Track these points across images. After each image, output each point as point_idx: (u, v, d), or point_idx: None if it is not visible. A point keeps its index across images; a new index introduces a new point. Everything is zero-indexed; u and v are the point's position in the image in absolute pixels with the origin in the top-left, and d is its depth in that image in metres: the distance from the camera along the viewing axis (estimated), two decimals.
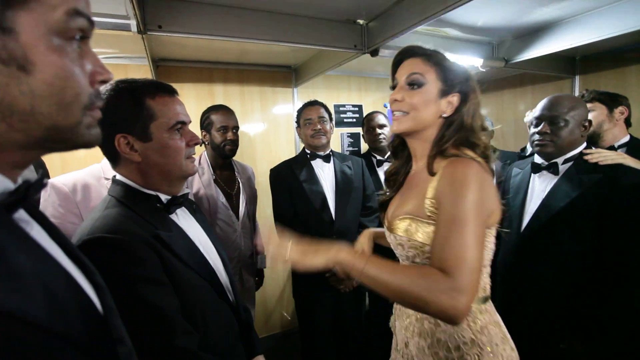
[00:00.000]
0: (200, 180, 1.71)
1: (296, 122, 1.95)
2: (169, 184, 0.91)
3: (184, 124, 0.90)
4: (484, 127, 0.92)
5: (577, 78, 2.75)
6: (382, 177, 2.07)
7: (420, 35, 1.99)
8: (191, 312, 0.80)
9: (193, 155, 0.95)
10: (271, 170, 1.95)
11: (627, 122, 1.78)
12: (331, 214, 1.81)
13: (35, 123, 0.36)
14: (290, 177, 1.86)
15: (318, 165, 1.88)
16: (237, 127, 1.81)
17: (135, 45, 1.73)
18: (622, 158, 1.30)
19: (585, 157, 1.32)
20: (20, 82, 0.34)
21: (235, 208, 1.80)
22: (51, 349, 0.31)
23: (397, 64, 0.95)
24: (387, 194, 1.05)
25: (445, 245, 0.75)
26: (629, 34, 1.83)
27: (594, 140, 1.74)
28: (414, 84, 0.89)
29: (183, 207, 0.99)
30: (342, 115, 2.94)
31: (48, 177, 1.42)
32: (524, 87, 3.05)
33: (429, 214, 0.82)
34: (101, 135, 0.45)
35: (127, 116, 0.83)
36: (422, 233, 0.84)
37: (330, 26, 1.84)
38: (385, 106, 2.35)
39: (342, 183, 1.85)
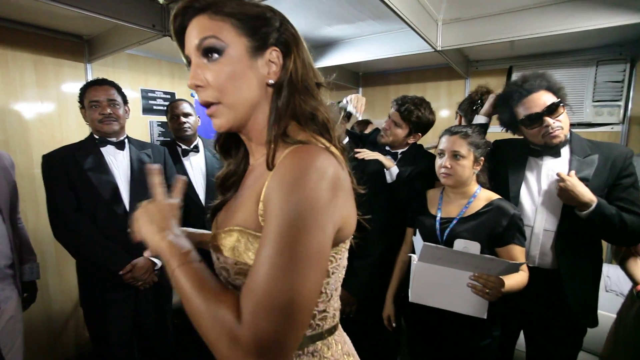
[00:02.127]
0: None
1: (79, 101, 1.67)
2: None
3: None
4: (320, 83, 0.69)
5: (360, 89, 3.48)
6: (187, 167, 2.04)
7: None
8: None
9: None
10: (44, 156, 1.60)
11: None
12: (125, 206, 1.64)
13: None
14: (71, 165, 1.57)
15: (109, 152, 1.67)
16: None
17: None
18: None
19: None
20: None
21: None
22: None
23: (180, 32, 0.65)
24: (221, 198, 0.77)
25: (251, 271, 0.52)
26: (392, 59, 2.44)
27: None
28: (210, 53, 0.60)
29: None
30: (151, 102, 2.70)
31: None
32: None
33: (262, 224, 0.58)
34: None
35: None
36: (254, 253, 0.59)
37: None
38: (192, 95, 2.30)
39: (139, 172, 1.69)
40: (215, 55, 0.60)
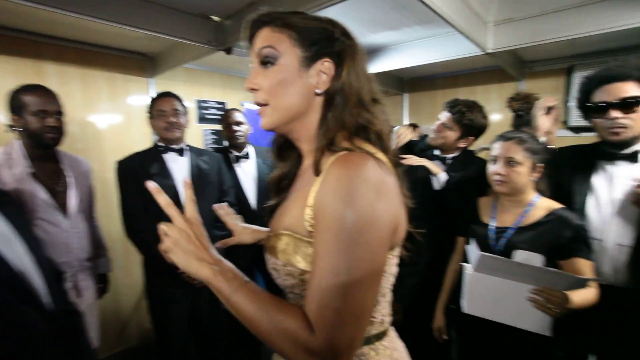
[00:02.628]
0: (12, 174, 1.44)
1: (148, 112, 1.84)
2: None
3: None
4: (376, 99, 0.69)
5: (406, 95, 3.43)
6: (239, 173, 2.16)
7: None
8: None
9: None
10: (118, 162, 1.79)
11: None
12: (184, 209, 1.77)
13: None
14: (140, 171, 1.74)
15: (171, 159, 1.82)
16: (60, 112, 1.57)
17: None
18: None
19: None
20: None
21: (62, 205, 1.58)
22: None
23: (251, 42, 0.72)
24: (276, 200, 0.81)
25: (313, 283, 0.55)
26: (439, 64, 2.40)
27: None
28: (267, 62, 0.66)
29: None
30: (204, 112, 2.89)
31: None
32: None
33: (309, 229, 0.61)
34: None
35: None
36: (303, 256, 0.62)
37: (185, 18, 1.82)
38: (242, 105, 2.42)
39: (197, 177, 1.83)
40: (270, 63, 0.66)
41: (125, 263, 2.53)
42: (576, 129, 2.56)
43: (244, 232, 1.07)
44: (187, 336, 1.89)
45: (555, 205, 1.29)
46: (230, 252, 1.92)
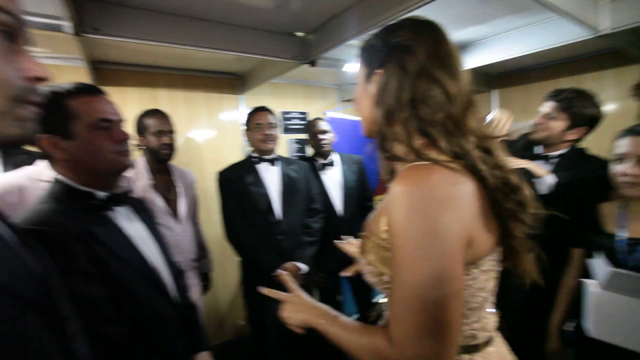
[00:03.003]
0: (138, 185, 1.70)
1: (245, 125, 2.00)
2: (100, 180, 0.94)
3: (109, 121, 0.94)
4: (426, 99, 0.63)
5: (495, 92, 3.15)
6: (325, 180, 2.22)
7: (354, 48, 2.17)
8: (120, 302, 0.84)
9: (124, 150, 0.97)
10: (218, 173, 1.98)
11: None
12: (277, 215, 1.89)
13: None
14: (237, 180, 1.90)
15: (264, 168, 1.96)
16: (172, 132, 1.83)
17: (70, 46, 1.69)
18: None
19: None
20: None
21: (174, 212, 1.81)
22: (17, 310, 0.36)
23: None
24: None
25: (391, 298, 0.59)
26: (533, 55, 2.17)
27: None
28: (355, 82, 0.78)
29: (127, 207, 1.02)
30: (288, 122, 3.05)
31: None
32: None
33: (382, 236, 0.65)
34: (35, 133, 0.47)
35: (48, 117, 0.85)
36: (379, 258, 0.67)
37: (271, 37, 1.95)
38: (324, 114, 2.50)
39: (288, 186, 1.93)
40: (355, 83, 0.77)
41: (222, 264, 2.78)
42: None
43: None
44: (280, 334, 1.99)
45: None
46: (319, 258, 2.00)
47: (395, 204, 0.57)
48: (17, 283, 0.39)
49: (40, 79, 0.47)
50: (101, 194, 0.93)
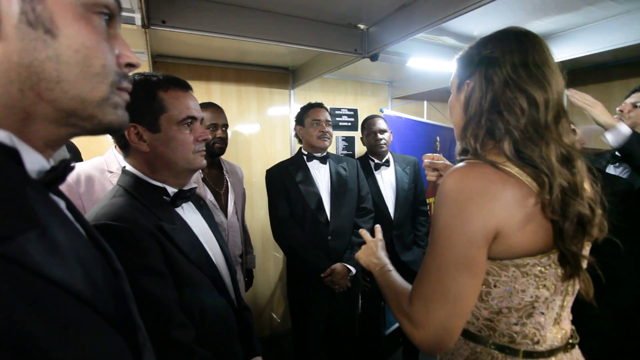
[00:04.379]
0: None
1: (298, 120, 1.94)
2: (175, 176, 0.92)
3: (194, 119, 0.91)
4: (508, 105, 0.67)
5: (565, 92, 2.86)
6: (379, 180, 2.12)
7: (419, 43, 2.04)
8: (189, 305, 0.80)
9: (202, 150, 0.95)
10: (267, 170, 1.95)
11: None
12: (326, 215, 1.82)
13: (62, 92, 0.36)
14: (287, 178, 1.86)
15: (314, 166, 1.90)
16: (226, 125, 1.80)
17: (136, 39, 1.71)
18: None
19: None
20: (46, 45, 0.34)
21: (223, 207, 1.79)
22: (89, 319, 0.32)
23: None
24: None
25: (420, 273, 0.70)
26: (614, 50, 1.92)
27: None
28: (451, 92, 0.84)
29: (190, 202, 1.00)
30: (337, 119, 2.97)
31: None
32: None
33: None
34: (127, 120, 0.45)
35: (137, 106, 0.84)
36: None
37: (331, 29, 1.87)
38: (381, 111, 2.38)
39: (337, 184, 1.86)
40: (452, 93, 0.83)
41: (263, 261, 2.78)
42: None
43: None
44: (322, 335, 1.94)
45: None
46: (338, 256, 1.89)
47: (439, 190, 0.68)
48: (99, 296, 0.34)
49: (132, 66, 0.45)
50: (173, 189, 0.91)
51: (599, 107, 1.37)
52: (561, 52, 2.08)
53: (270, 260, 2.77)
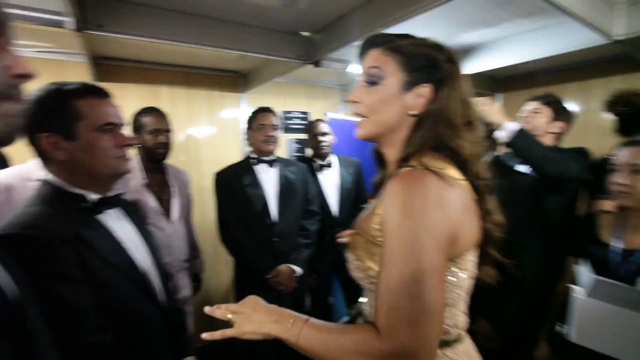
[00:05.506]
0: (130, 184, 1.67)
1: (248, 124, 1.97)
2: (97, 184, 0.92)
3: (113, 125, 0.92)
4: (471, 123, 0.72)
5: (501, 95, 3.11)
6: (322, 181, 2.20)
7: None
8: (108, 309, 0.81)
9: (124, 155, 0.96)
10: (215, 174, 1.96)
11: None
12: (273, 217, 1.86)
13: None
14: (234, 181, 1.88)
15: (262, 170, 1.93)
16: (169, 130, 1.80)
17: (72, 42, 1.66)
18: None
19: None
20: None
21: (167, 212, 1.78)
22: None
23: (361, 58, 0.79)
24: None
25: (381, 289, 0.62)
26: (540, 59, 2.13)
27: None
28: (372, 81, 0.73)
29: (118, 208, 1.00)
30: (289, 122, 3.02)
31: None
32: None
33: (374, 232, 0.69)
34: (20, 130, 0.46)
35: (51, 115, 0.84)
36: (369, 255, 0.70)
37: (276, 37, 1.92)
38: (325, 114, 2.47)
39: (285, 188, 1.91)
40: (375, 83, 0.73)
41: (215, 264, 2.76)
42: None
43: None
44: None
45: None
46: (311, 259, 1.97)
47: (392, 201, 0.63)
48: None
49: (24, 76, 0.46)
50: (93, 197, 0.91)
51: (492, 108, 1.52)
52: (490, 61, 2.27)
53: (222, 263, 2.75)
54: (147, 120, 1.74)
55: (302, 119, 3.08)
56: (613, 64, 2.42)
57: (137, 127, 1.75)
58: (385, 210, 0.65)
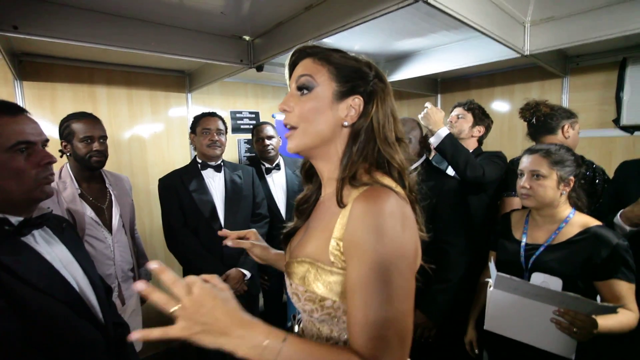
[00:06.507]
0: (63, 196, 1.58)
1: (192, 129, 1.95)
2: (15, 207, 0.88)
3: (28, 143, 0.88)
4: (400, 138, 0.74)
5: (439, 96, 3.33)
6: (270, 183, 2.23)
7: None
8: (39, 332, 0.81)
9: (50, 176, 0.93)
10: (160, 180, 1.92)
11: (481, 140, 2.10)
12: (221, 223, 1.88)
13: None
14: (180, 187, 1.86)
15: (209, 175, 1.93)
16: (104, 137, 1.69)
17: None
18: None
19: None
20: None
21: (107, 222, 1.71)
22: None
23: (291, 67, 0.78)
24: (293, 224, 0.88)
25: (357, 317, 0.58)
26: (473, 65, 2.32)
27: None
28: (303, 89, 0.72)
29: (44, 228, 0.97)
30: (239, 122, 3.00)
31: None
32: (400, 101, 3.56)
33: (332, 259, 0.65)
34: None
35: None
36: (323, 283, 0.66)
37: (217, 40, 1.90)
38: (273, 116, 2.49)
39: (232, 192, 1.93)
40: (306, 91, 0.72)
41: None
42: (630, 128, 2.35)
43: (255, 245, 1.04)
44: None
45: (591, 222, 1.23)
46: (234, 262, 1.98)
47: (362, 223, 0.60)
48: None
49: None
50: (15, 219, 0.88)
51: (438, 115, 1.73)
52: (424, 67, 2.44)
53: (174, 269, 2.70)
54: (77, 127, 1.62)
55: (252, 118, 3.07)
56: (531, 72, 2.71)
57: (67, 134, 1.63)
58: (352, 234, 0.61)
